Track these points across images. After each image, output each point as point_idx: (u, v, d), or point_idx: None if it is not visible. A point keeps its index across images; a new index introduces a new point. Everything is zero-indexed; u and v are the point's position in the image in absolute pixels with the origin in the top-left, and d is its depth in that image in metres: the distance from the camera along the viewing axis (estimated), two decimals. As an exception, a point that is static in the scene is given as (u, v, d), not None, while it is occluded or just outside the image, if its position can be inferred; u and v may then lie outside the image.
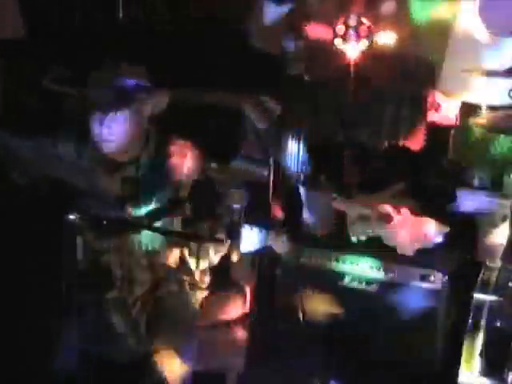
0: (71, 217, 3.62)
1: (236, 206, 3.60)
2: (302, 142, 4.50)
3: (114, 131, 3.64)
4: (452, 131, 4.33)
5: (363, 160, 4.46)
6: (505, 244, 4.01)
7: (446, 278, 4.00)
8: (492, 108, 4.17)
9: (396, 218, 4.12)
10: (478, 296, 3.80)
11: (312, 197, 4.32)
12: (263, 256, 4.12)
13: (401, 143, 4.42)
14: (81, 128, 3.73)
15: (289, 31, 4.56)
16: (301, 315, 4.15)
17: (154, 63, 3.97)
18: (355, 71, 4.51)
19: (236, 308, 4.22)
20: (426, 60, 4.39)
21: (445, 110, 4.35)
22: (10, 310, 3.77)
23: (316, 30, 4.56)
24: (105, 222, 3.66)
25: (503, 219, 4.11)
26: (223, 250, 3.84)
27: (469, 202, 4.17)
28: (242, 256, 3.89)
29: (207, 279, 3.95)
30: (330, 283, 4.20)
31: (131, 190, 3.76)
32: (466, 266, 4.09)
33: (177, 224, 3.86)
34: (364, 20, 4.47)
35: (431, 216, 4.10)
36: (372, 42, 4.45)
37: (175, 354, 3.76)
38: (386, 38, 4.45)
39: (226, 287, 4.19)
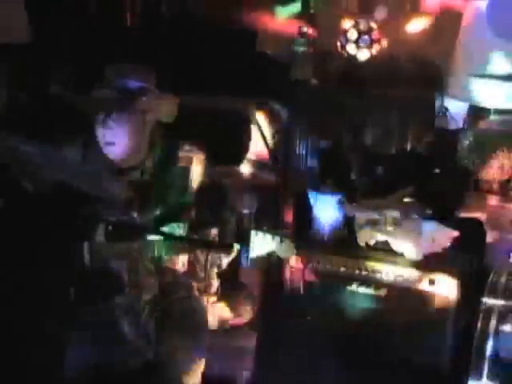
0: (78, 222, 3.62)
1: (245, 210, 3.59)
2: (309, 146, 4.50)
3: (117, 134, 3.63)
4: (459, 135, 4.33)
5: (371, 164, 4.45)
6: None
7: (455, 282, 3.99)
8: (500, 112, 4.17)
9: (404, 222, 4.11)
10: (487, 300, 3.79)
11: (320, 201, 4.31)
12: (272, 261, 4.11)
13: (409, 147, 4.42)
14: (85, 132, 3.72)
15: (297, 35, 4.57)
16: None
17: (161, 68, 3.97)
18: (363, 75, 4.51)
19: (244, 312, 4.21)
20: (434, 64, 4.40)
21: (453, 113, 4.35)
22: (15, 314, 3.76)
23: (324, 34, 4.57)
24: (110, 228, 3.65)
25: (511, 223, 4.11)
26: (232, 256, 3.83)
27: (477, 206, 4.17)
28: (251, 261, 3.88)
29: (216, 284, 3.94)
30: (338, 288, 4.19)
31: (137, 195, 3.75)
32: (474, 271, 4.07)
33: (184, 229, 3.85)
34: (372, 25, 4.48)
35: (440, 220, 4.09)
36: (380, 46, 4.46)
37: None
38: (394, 43, 4.47)
39: (235, 292, 4.18)
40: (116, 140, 3.64)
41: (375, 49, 4.46)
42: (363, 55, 4.49)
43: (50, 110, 4.09)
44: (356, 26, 4.47)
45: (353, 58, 4.52)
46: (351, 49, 4.48)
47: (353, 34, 4.46)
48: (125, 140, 3.67)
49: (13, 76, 4.24)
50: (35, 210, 3.74)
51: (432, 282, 4.02)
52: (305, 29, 4.50)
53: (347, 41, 4.48)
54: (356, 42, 4.47)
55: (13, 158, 3.69)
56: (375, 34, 4.44)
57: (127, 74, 3.67)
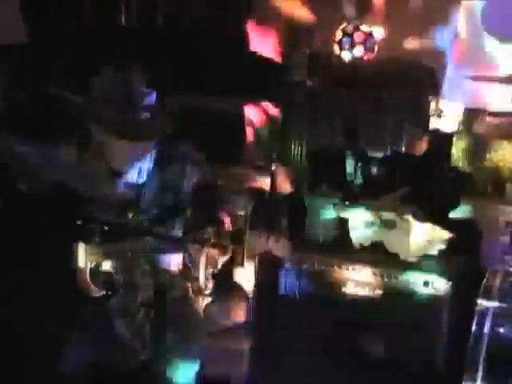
0: (74, 222, 3.62)
1: (240, 211, 3.60)
2: (304, 147, 4.50)
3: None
4: (454, 137, 4.33)
5: (366, 166, 4.45)
6: (508, 250, 4.02)
7: (450, 283, 4.00)
8: (494, 114, 4.17)
9: (399, 223, 4.12)
10: (482, 302, 3.79)
11: (314, 202, 4.31)
12: (266, 261, 4.11)
13: (404, 149, 4.42)
14: (82, 133, 3.72)
15: (292, 38, 4.58)
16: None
17: (158, 69, 3.97)
18: (356, 77, 4.52)
19: (239, 313, 4.21)
20: (428, 66, 4.40)
21: (447, 116, 4.35)
22: (13, 314, 3.76)
23: (317, 37, 4.58)
24: (106, 228, 3.66)
25: (506, 225, 4.11)
26: (227, 256, 3.83)
27: (472, 207, 4.17)
28: (245, 261, 3.89)
29: (210, 285, 3.95)
30: (332, 289, 4.19)
31: (133, 196, 3.76)
32: (469, 272, 4.07)
33: (179, 229, 3.86)
34: (363, 28, 4.49)
35: (434, 222, 4.09)
36: (372, 48, 4.47)
37: None
38: (387, 45, 4.48)
39: (229, 292, 4.18)
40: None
41: (359, 50, 4.47)
42: (346, 56, 4.51)
43: (48, 111, 4.08)
44: (343, 28, 4.50)
45: (346, 60, 4.54)
46: (336, 50, 4.51)
47: (338, 36, 4.49)
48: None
49: (10, 77, 4.24)
50: (32, 210, 3.75)
51: (427, 283, 4.02)
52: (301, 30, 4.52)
53: (333, 42, 4.51)
54: (339, 43, 4.49)
55: (10, 158, 3.69)
56: (359, 36, 4.46)
57: (127, 76, 3.66)
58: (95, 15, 4.75)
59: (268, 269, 4.19)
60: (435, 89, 4.37)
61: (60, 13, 4.61)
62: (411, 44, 4.51)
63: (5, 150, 3.70)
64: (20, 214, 3.82)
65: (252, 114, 4.42)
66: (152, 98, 3.84)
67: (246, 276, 4.13)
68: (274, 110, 4.50)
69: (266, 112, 4.47)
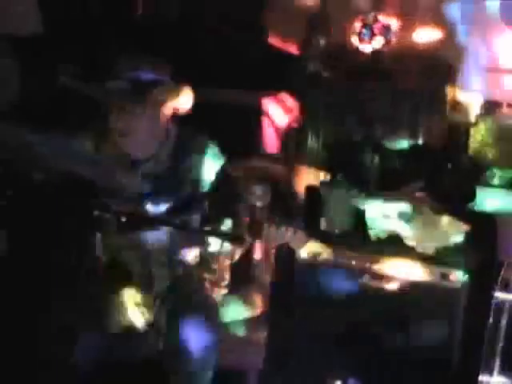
0: (90, 213, 3.61)
1: (258, 203, 3.58)
2: (320, 139, 4.50)
3: (130, 126, 3.62)
4: (472, 129, 4.32)
5: (383, 158, 4.45)
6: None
7: (467, 276, 3.98)
8: (513, 106, 4.17)
9: (416, 216, 4.10)
10: (499, 295, 3.79)
11: (331, 194, 4.30)
12: (282, 254, 4.10)
13: (420, 141, 4.41)
14: (98, 123, 3.71)
15: (308, 28, 4.57)
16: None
17: (173, 60, 3.95)
18: (373, 69, 4.51)
19: (255, 306, 4.21)
20: (446, 57, 4.39)
21: (464, 107, 4.34)
22: (27, 305, 3.77)
23: (334, 27, 4.57)
24: (124, 219, 3.64)
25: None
26: (244, 248, 3.82)
27: (489, 200, 4.16)
28: (262, 254, 3.88)
29: (227, 277, 3.94)
30: (349, 281, 4.19)
31: (150, 186, 3.74)
32: (486, 265, 4.06)
33: (197, 221, 3.84)
34: (381, 18, 4.47)
35: (451, 214, 4.08)
36: (390, 39, 4.46)
37: None
38: (404, 36, 4.46)
39: (246, 285, 4.18)
40: (130, 132, 3.63)
41: (378, 41, 4.46)
42: (365, 47, 4.50)
43: (63, 100, 4.08)
44: (363, 19, 4.49)
45: (363, 50, 4.53)
46: (355, 41, 4.51)
47: (357, 27, 4.48)
48: (138, 132, 3.66)
49: (26, 68, 4.23)
50: (47, 200, 3.74)
51: (444, 276, 4.01)
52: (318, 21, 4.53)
53: (352, 33, 4.50)
54: (359, 34, 4.49)
55: (22, 148, 3.68)
56: (378, 27, 4.45)
57: (141, 65, 3.66)
58: (110, 4, 4.75)
59: (284, 261, 4.19)
60: (453, 79, 4.36)
61: (76, 2, 4.61)
62: (427, 34, 4.49)
63: (18, 140, 3.69)
64: (35, 204, 3.81)
65: (269, 105, 4.42)
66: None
67: (262, 268, 4.13)
68: (290, 102, 4.50)
69: (282, 103, 4.47)
